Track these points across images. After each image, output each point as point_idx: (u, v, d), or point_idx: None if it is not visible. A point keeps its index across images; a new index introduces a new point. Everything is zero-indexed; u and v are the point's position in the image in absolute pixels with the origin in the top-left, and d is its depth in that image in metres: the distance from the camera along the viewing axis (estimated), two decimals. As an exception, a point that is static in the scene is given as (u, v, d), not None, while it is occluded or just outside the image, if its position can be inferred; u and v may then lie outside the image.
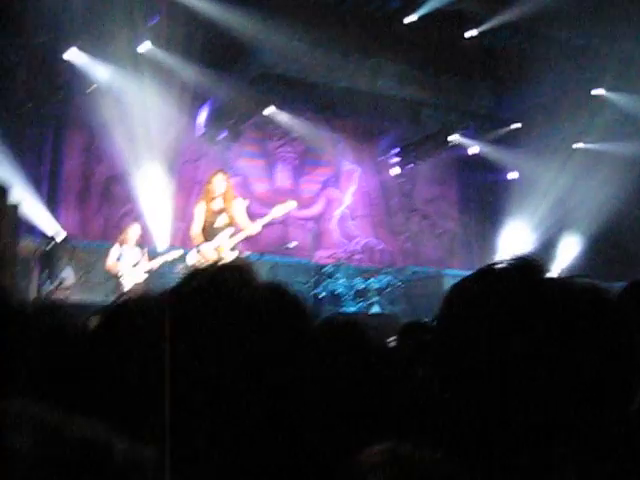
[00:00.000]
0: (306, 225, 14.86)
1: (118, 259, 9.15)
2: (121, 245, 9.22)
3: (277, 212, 8.42)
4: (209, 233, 7.88)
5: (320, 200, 15.44)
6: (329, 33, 11.33)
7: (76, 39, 10.65)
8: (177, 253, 9.66)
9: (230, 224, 7.91)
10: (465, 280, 1.15)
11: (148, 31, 11.47)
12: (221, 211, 7.91)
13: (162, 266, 9.58)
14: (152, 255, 9.77)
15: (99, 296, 9.99)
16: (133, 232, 9.37)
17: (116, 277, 9.06)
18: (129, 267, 9.12)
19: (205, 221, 7.92)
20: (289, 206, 8.48)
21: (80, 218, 13.20)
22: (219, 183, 7.94)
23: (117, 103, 12.49)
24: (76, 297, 9.77)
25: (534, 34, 11.80)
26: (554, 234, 13.68)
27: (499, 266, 1.14)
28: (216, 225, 7.87)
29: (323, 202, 15.46)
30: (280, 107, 14.25)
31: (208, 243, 7.84)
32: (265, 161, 15.13)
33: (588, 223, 12.92)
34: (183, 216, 13.91)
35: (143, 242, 9.77)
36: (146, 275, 9.25)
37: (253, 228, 8.03)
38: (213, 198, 7.90)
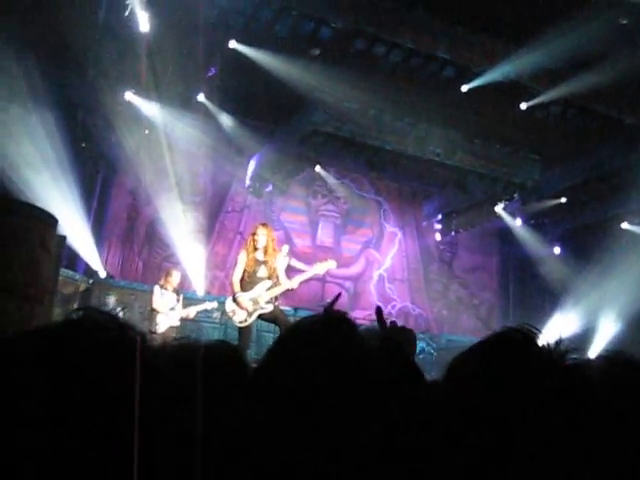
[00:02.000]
0: (344, 284, 14.84)
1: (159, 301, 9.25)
2: (161, 288, 9.32)
3: (317, 270, 8.37)
4: (248, 282, 7.88)
5: (360, 260, 15.45)
6: (381, 96, 11.46)
7: (135, 82, 10.91)
8: (211, 305, 9.77)
9: (270, 277, 7.91)
10: (466, 351, 1.26)
11: (204, 82, 11.74)
12: (262, 262, 7.92)
13: (197, 315, 9.63)
14: (188, 301, 9.83)
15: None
16: (175, 277, 9.47)
17: (153, 319, 9.14)
18: (166, 310, 9.19)
19: (245, 270, 7.93)
20: (329, 265, 8.44)
21: (121, 258, 13.37)
22: (263, 235, 7.97)
23: (168, 149, 12.74)
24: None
25: (585, 110, 11.81)
26: (594, 313, 13.41)
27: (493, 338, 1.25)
28: (257, 275, 7.88)
29: (362, 263, 15.46)
30: (327, 166, 14.43)
31: (246, 293, 7.83)
32: (308, 218, 15.23)
33: (628, 306, 12.65)
34: (222, 265, 14.02)
35: (181, 288, 9.84)
36: (179, 322, 9.31)
37: (291, 283, 8.01)
38: (256, 249, 7.93)
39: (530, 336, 1.21)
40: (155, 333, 8.97)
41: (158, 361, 1.03)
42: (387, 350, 1.19)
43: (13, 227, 5.23)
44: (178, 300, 9.42)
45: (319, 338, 1.15)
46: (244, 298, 7.80)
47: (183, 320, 9.43)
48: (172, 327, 9.21)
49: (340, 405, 1.04)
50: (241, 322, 7.77)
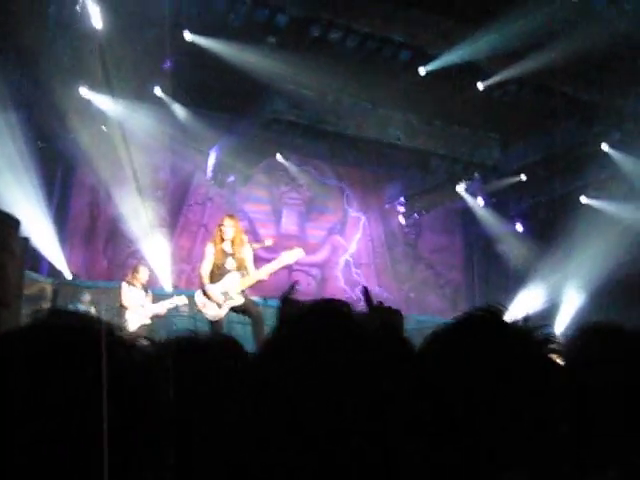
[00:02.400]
0: (310, 271, 14.86)
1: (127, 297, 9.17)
2: (129, 284, 9.22)
3: (286, 259, 8.34)
4: (217, 275, 7.86)
5: (325, 247, 15.47)
6: (340, 81, 11.47)
7: (89, 78, 10.77)
8: (182, 300, 9.62)
9: (239, 268, 7.89)
10: (440, 328, 1.33)
11: (160, 75, 11.63)
12: (230, 254, 7.89)
13: (168, 312, 9.56)
14: (157, 297, 9.75)
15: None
16: (142, 273, 9.38)
17: (123, 316, 9.06)
18: (136, 307, 9.10)
19: (214, 263, 7.90)
20: (297, 254, 8.41)
21: (85, 257, 13.22)
22: (230, 226, 7.94)
23: (126, 144, 12.60)
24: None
25: (541, 88, 11.95)
26: (558, 288, 13.61)
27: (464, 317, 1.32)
28: (226, 267, 7.86)
29: (328, 249, 15.49)
30: (288, 153, 14.40)
31: (215, 285, 7.81)
32: (272, 206, 15.20)
33: (590, 278, 12.85)
34: (188, 258, 13.94)
35: (149, 284, 9.75)
36: (150, 319, 9.22)
37: (260, 274, 7.99)
38: (223, 240, 7.89)
39: (498, 315, 1.27)
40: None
41: (127, 355, 1.03)
42: (384, 332, 1.22)
43: (-25, 232, 5.16)
44: (147, 296, 9.36)
45: (317, 325, 1.17)
46: (214, 291, 7.78)
47: (154, 317, 9.35)
48: (143, 325, 9.07)
49: (340, 389, 1.06)
50: (213, 315, 7.76)
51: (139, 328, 8.96)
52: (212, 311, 7.74)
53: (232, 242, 7.90)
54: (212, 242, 8.00)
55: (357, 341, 1.14)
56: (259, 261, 12.80)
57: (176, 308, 9.85)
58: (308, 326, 1.19)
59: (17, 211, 7.94)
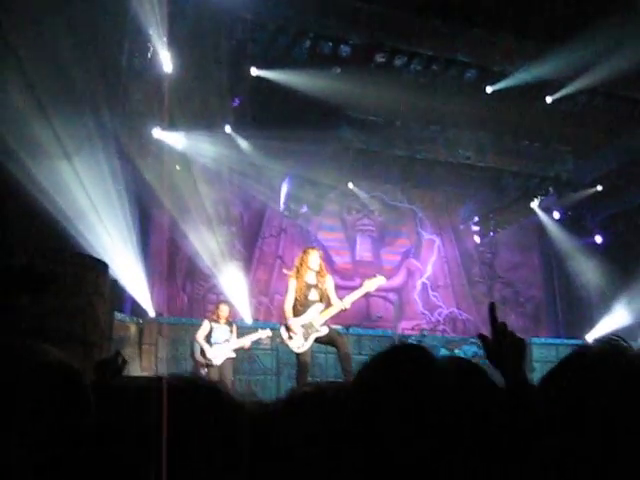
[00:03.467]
0: (388, 296, 14.82)
1: (209, 336, 9.40)
2: (211, 322, 9.49)
3: (368, 287, 8.29)
4: (300, 307, 7.90)
5: (401, 271, 15.43)
6: (407, 105, 11.49)
7: (160, 119, 11.06)
8: (266, 333, 9.82)
9: (321, 299, 7.92)
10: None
11: (229, 111, 11.86)
12: (313, 286, 7.93)
13: (252, 344, 9.78)
14: (239, 330, 9.94)
15: (187, 370, 10.21)
16: (223, 310, 9.64)
17: (203, 353, 9.33)
18: (221, 343, 9.35)
19: (297, 296, 7.95)
20: (379, 281, 8.36)
21: (166, 294, 13.49)
22: (316, 257, 8.00)
23: (198, 181, 12.88)
24: (164, 371, 9.94)
25: (612, 96, 11.71)
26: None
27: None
28: (308, 299, 7.89)
29: (404, 273, 15.44)
30: (359, 180, 14.46)
31: (298, 318, 7.85)
32: (345, 234, 15.26)
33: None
34: (266, 290, 14.10)
35: (232, 319, 9.96)
36: (234, 352, 9.43)
37: (344, 304, 7.96)
38: (309, 269, 7.94)
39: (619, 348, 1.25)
40: (213, 366, 9.16)
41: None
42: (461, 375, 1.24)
43: (69, 277, 5.36)
44: (232, 331, 9.59)
45: (394, 366, 1.22)
46: (296, 324, 7.82)
47: (237, 350, 9.53)
48: (229, 359, 9.41)
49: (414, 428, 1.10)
50: (298, 347, 7.78)
51: (225, 361, 9.31)
52: (298, 343, 7.77)
53: (317, 273, 7.95)
54: (294, 276, 8.03)
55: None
56: (337, 289, 12.82)
57: (258, 341, 10.01)
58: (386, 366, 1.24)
59: (103, 253, 8.23)
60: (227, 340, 9.43)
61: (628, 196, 13.81)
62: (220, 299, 11.17)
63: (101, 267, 5.93)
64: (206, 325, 9.46)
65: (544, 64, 10.35)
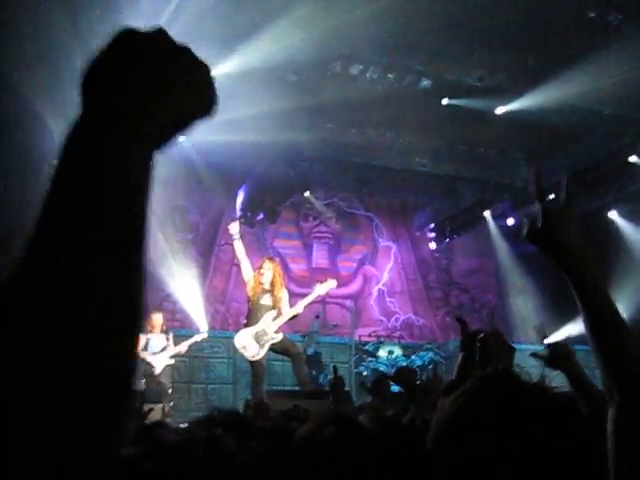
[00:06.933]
0: (344, 303, 14.82)
1: (145, 347, 9.41)
2: (146, 333, 9.50)
3: (319, 291, 8.43)
4: (254, 311, 8.02)
5: (358, 278, 15.45)
6: (361, 113, 11.51)
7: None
8: (201, 336, 9.92)
9: (274, 306, 8.00)
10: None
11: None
12: (268, 291, 8.02)
13: (189, 350, 9.82)
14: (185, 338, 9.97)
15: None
16: (156, 319, 9.65)
17: (144, 362, 9.38)
18: (157, 352, 9.38)
19: (251, 295, 8.06)
20: (330, 284, 8.50)
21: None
22: (269, 269, 8.09)
23: (155, 188, 12.70)
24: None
25: (565, 105, 11.86)
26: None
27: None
28: (260, 303, 8.00)
29: (360, 280, 15.47)
30: (315, 187, 14.45)
31: (253, 327, 7.93)
32: (301, 241, 15.24)
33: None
34: (222, 298, 14.00)
35: (168, 328, 9.95)
36: (172, 359, 9.52)
37: (296, 309, 8.07)
38: (261, 283, 8.04)
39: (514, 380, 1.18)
40: (151, 375, 9.20)
41: None
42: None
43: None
44: (168, 339, 9.65)
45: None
46: (248, 335, 7.91)
47: (176, 356, 9.63)
48: (168, 365, 9.48)
49: None
50: (253, 356, 7.83)
51: (164, 369, 9.38)
52: (253, 352, 7.81)
53: (271, 285, 8.05)
54: (254, 275, 8.13)
55: None
56: (294, 297, 12.81)
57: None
58: None
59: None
60: (164, 348, 9.47)
61: (578, 203, 14.00)
62: (160, 308, 11.19)
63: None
64: (141, 338, 9.40)
65: (498, 73, 10.47)
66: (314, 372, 10.47)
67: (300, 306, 8.14)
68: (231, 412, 1.38)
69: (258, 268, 8.16)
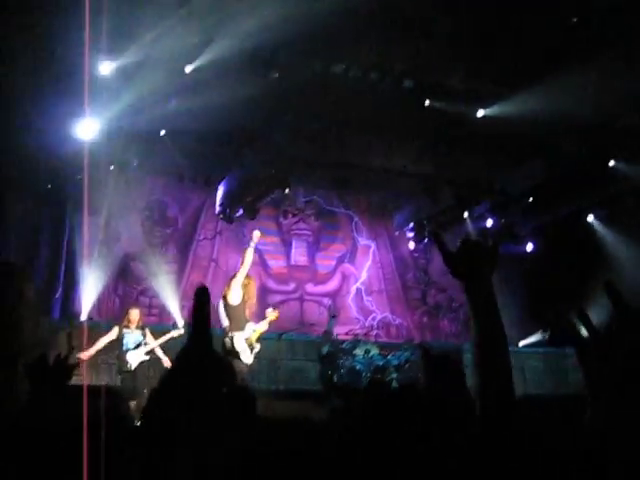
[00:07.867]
0: (322, 301, 14.83)
1: (120, 343, 9.37)
2: (122, 328, 9.48)
3: (263, 327, 8.61)
4: (238, 319, 8.13)
5: (336, 276, 15.46)
6: (343, 113, 11.50)
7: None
8: (178, 332, 9.84)
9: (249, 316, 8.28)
10: None
11: (165, 115, 11.64)
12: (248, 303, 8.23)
13: (166, 344, 9.75)
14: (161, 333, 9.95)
15: (104, 377, 10.44)
16: (134, 315, 9.62)
17: (120, 358, 9.38)
18: (132, 348, 9.37)
19: (236, 309, 8.22)
20: (271, 317, 8.74)
21: (97, 296, 13.21)
22: (251, 283, 8.42)
23: (134, 183, 12.67)
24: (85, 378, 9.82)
25: (544, 110, 11.92)
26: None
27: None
28: (246, 311, 8.32)
29: (339, 278, 15.48)
30: (295, 184, 14.42)
31: (241, 332, 8.09)
32: (281, 238, 15.22)
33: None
34: (200, 294, 13.94)
35: (144, 324, 9.93)
36: (147, 355, 9.52)
37: (262, 327, 8.51)
38: (249, 294, 8.26)
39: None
40: (128, 372, 9.23)
41: None
42: None
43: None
44: (144, 335, 9.64)
45: None
46: (241, 338, 8.10)
47: (151, 353, 9.61)
48: (142, 362, 9.48)
49: None
50: (248, 362, 8.10)
51: (140, 365, 9.41)
52: (248, 359, 8.10)
53: (247, 295, 8.22)
54: (244, 284, 8.27)
55: None
56: (271, 294, 12.94)
57: (172, 340, 10.06)
58: None
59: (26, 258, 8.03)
60: (140, 345, 9.46)
61: (556, 207, 14.10)
62: (137, 303, 11.17)
63: (24, 274, 5.76)
64: (114, 332, 9.44)
65: (481, 77, 10.51)
66: (329, 371, 10.55)
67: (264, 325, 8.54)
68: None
69: (246, 278, 8.28)
